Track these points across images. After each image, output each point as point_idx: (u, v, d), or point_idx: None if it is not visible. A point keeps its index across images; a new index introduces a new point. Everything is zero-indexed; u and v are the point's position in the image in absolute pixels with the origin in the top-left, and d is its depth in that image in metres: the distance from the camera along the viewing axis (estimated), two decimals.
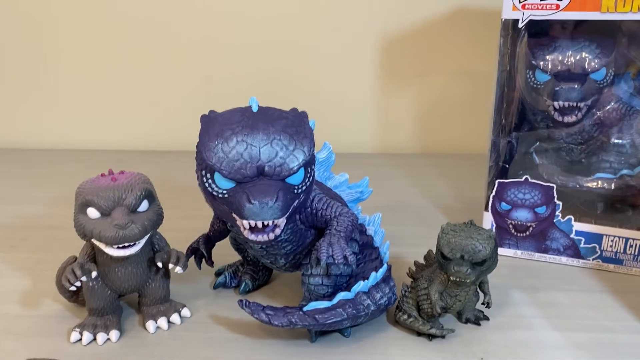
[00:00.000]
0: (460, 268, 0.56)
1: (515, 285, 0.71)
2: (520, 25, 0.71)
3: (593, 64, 0.72)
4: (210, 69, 1.23)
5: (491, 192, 0.77)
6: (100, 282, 0.61)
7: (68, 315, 0.65)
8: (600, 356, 0.58)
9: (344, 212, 0.61)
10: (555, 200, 0.74)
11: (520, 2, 0.70)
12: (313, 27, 1.19)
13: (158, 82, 1.24)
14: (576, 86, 0.73)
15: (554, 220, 0.75)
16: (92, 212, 0.57)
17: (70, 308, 0.66)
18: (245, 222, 0.52)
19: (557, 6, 0.68)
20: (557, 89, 0.73)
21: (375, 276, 0.60)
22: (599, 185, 0.76)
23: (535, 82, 0.75)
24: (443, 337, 0.60)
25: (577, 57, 0.72)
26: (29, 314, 0.66)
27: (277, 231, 0.53)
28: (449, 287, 0.59)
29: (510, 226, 0.77)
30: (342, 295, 0.58)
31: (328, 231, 0.59)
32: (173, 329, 0.63)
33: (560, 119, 0.75)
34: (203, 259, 0.68)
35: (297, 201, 0.55)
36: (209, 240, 0.67)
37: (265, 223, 0.52)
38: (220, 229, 0.67)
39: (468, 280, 0.56)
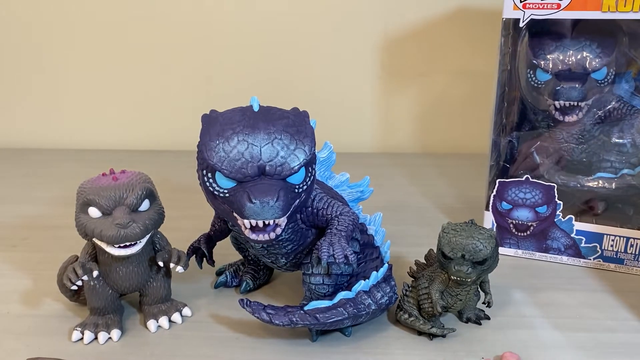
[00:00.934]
0: (461, 267, 0.56)
1: (516, 284, 0.71)
2: (521, 24, 0.71)
3: (594, 63, 0.72)
4: (210, 69, 1.23)
5: (492, 192, 0.77)
6: (102, 281, 0.61)
7: (69, 314, 0.65)
8: (600, 356, 0.58)
9: (344, 211, 0.61)
10: (556, 199, 0.74)
11: (521, 2, 0.70)
12: (313, 27, 1.19)
13: (158, 82, 1.24)
14: (577, 85, 0.73)
15: (555, 220, 0.75)
16: (94, 212, 0.57)
17: (71, 307, 0.66)
18: (246, 221, 0.52)
19: (558, 5, 0.68)
20: (558, 88, 0.73)
21: (376, 275, 0.60)
22: (599, 185, 0.76)
23: (536, 81, 0.75)
24: (444, 336, 0.60)
25: (578, 57, 0.72)
26: (30, 313, 0.66)
27: (278, 230, 0.53)
28: (449, 286, 0.59)
29: (511, 225, 0.77)
30: (343, 295, 0.58)
31: (329, 230, 0.59)
32: (174, 328, 0.63)
33: (561, 118, 0.75)
34: (204, 258, 0.68)
35: (298, 200, 0.55)
36: (210, 239, 0.68)
37: (266, 222, 0.52)
38: (221, 228, 0.67)
39: (469, 280, 0.56)
